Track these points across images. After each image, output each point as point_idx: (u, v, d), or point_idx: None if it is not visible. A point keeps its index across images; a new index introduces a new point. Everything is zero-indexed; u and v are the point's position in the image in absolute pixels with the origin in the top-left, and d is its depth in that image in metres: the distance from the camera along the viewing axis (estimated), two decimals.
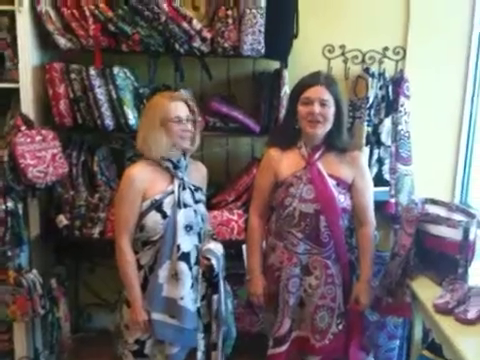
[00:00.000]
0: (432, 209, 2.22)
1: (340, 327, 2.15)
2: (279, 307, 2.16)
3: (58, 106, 2.49)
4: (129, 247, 2.04)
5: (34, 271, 2.45)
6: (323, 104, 2.02)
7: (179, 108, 2.04)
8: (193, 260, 2.09)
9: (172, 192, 2.05)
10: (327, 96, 2.03)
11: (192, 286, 2.08)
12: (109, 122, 2.50)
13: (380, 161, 2.85)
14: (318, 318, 2.14)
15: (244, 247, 2.45)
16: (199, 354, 2.14)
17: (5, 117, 2.56)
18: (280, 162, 2.14)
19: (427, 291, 2.08)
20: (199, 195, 2.15)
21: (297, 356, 2.26)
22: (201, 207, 2.15)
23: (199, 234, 2.15)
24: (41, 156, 2.33)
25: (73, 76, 2.47)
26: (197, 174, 2.20)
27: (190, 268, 2.06)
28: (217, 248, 2.20)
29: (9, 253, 2.32)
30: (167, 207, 2.03)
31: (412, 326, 2.35)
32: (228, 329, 2.25)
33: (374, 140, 2.81)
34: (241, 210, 2.67)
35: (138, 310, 2.04)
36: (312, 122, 2.03)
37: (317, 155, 2.11)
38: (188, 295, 2.06)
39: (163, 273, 2.03)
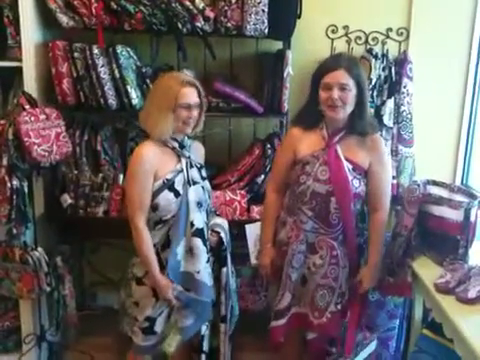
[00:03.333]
0: (434, 190, 2.24)
1: (339, 307, 2.19)
2: (282, 281, 2.19)
3: (61, 85, 2.47)
4: (145, 225, 2.05)
5: (40, 249, 2.47)
6: (343, 88, 2.01)
7: (190, 95, 2.03)
8: (206, 236, 2.14)
9: (181, 170, 2.08)
10: (347, 80, 2.01)
11: (207, 260, 2.13)
12: (112, 101, 2.49)
13: None
14: (318, 296, 2.18)
15: (247, 227, 2.49)
16: (203, 327, 2.21)
17: (7, 95, 2.56)
18: (301, 141, 2.16)
19: (428, 271, 2.11)
20: (204, 172, 2.20)
21: (297, 332, 2.31)
22: (207, 184, 2.20)
23: (206, 211, 2.19)
24: (45, 135, 2.32)
25: (76, 55, 2.44)
26: (197, 153, 2.23)
27: (204, 243, 2.11)
28: (223, 223, 2.27)
29: (14, 231, 2.33)
30: (179, 185, 2.06)
31: (412, 305, 2.39)
32: (231, 307, 2.30)
33: (376, 121, 2.81)
34: (244, 190, 2.68)
35: (163, 282, 2.05)
36: (332, 107, 2.04)
37: (337, 138, 2.11)
38: (204, 269, 2.11)
39: (180, 250, 2.07)
